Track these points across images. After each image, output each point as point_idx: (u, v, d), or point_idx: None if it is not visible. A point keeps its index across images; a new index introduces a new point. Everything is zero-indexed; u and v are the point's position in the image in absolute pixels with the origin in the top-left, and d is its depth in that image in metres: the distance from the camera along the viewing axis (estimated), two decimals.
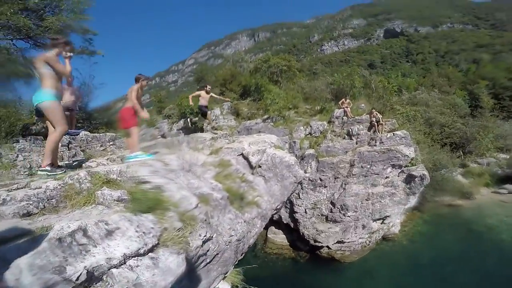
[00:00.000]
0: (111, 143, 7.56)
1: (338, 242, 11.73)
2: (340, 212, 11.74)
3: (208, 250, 3.08)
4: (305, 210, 12.34)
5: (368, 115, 13.09)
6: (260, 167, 6.62)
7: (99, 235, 1.65)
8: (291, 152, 12.35)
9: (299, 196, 12.48)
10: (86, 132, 7.34)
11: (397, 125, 12.69)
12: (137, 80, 4.45)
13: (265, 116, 15.47)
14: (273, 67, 20.73)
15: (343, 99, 14.17)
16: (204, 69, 27.51)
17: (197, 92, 9.03)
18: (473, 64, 39.93)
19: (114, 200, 2.33)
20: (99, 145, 7.21)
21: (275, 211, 7.58)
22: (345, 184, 12.02)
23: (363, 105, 15.03)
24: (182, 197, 3.33)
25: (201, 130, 14.59)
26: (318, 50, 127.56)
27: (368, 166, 11.49)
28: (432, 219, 13.96)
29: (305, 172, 11.93)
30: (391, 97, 17.46)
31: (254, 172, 6.65)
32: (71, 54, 3.46)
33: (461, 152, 16.67)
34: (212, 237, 3.19)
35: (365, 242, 11.96)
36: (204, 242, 2.93)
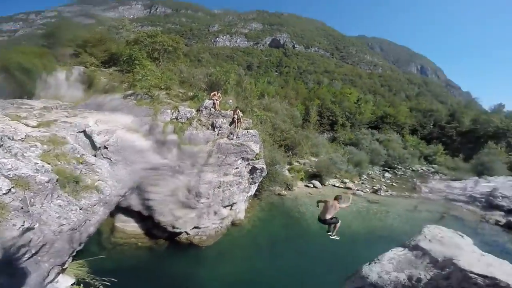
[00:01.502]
0: None
1: (195, 227, 12.44)
2: (195, 198, 12.35)
3: (30, 241, 2.84)
4: (163, 197, 12.30)
5: (232, 111, 14.70)
6: (107, 148, 6.16)
7: None
8: (151, 135, 11.85)
9: (157, 183, 12.26)
10: None
11: (252, 125, 15.11)
12: None
13: (129, 92, 14.01)
14: (158, 44, 19.02)
15: (215, 92, 15.04)
16: (64, 24, 21.19)
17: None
18: (316, 85, 52.86)
19: None
20: None
21: (122, 197, 7.21)
22: (200, 172, 12.84)
23: (230, 101, 16.68)
24: None
25: (31, 94, 11.12)
26: (212, 40, 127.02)
27: (224, 157, 13.00)
28: (267, 206, 17.08)
29: (165, 158, 11.91)
30: (254, 100, 20.51)
31: (98, 154, 6.11)
32: None
33: (291, 153, 22.40)
34: (33, 226, 2.97)
35: (218, 227, 13.28)
36: (23, 232, 2.74)
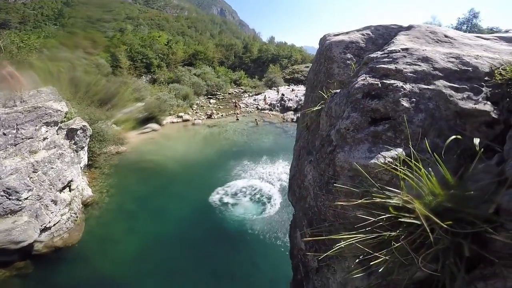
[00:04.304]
0: None
1: (44, 230, 9.64)
2: (9, 198, 9.11)
3: None
4: None
5: None
6: None
7: None
8: None
9: None
10: None
11: (40, 82, 11.71)
12: None
13: None
14: None
15: None
16: None
17: None
18: (119, 33, 45.98)
19: None
20: None
21: None
22: None
23: None
24: None
25: None
26: None
27: (14, 132, 9.72)
28: (111, 170, 14.89)
29: None
30: (29, 55, 15.73)
31: None
32: None
33: (110, 105, 19.88)
34: None
35: (71, 216, 10.77)
36: None
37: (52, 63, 16.07)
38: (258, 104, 30.26)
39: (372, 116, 1.47)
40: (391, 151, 1.27)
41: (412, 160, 1.07)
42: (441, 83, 1.47)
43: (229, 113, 27.27)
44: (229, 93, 34.39)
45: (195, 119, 24.59)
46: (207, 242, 10.18)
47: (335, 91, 2.05)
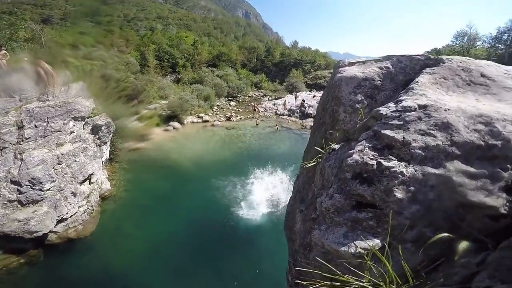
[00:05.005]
0: None
1: (60, 221, 10.02)
2: (33, 188, 9.59)
3: None
4: None
5: (33, 66, 11.24)
6: None
7: None
8: None
9: None
10: None
11: (72, 78, 12.41)
12: None
13: None
14: None
15: None
16: None
17: None
18: (149, 32, 47.90)
19: None
20: None
21: None
22: (20, 153, 9.92)
23: (26, 58, 12.61)
24: None
25: None
26: None
27: (45, 124, 10.34)
28: (130, 166, 15.36)
29: None
30: (63, 50, 16.78)
31: None
32: None
33: (136, 101, 20.84)
34: None
35: (88, 208, 11.18)
36: None
37: (87, 61, 17.10)
38: (277, 109, 30.04)
39: (357, 200, 1.34)
40: (367, 240, 1.25)
41: (384, 256, 1.13)
42: (454, 166, 1.20)
43: (248, 116, 27.31)
44: (249, 96, 34.42)
45: (214, 121, 24.89)
46: (216, 243, 10.23)
47: (333, 146, 1.91)
